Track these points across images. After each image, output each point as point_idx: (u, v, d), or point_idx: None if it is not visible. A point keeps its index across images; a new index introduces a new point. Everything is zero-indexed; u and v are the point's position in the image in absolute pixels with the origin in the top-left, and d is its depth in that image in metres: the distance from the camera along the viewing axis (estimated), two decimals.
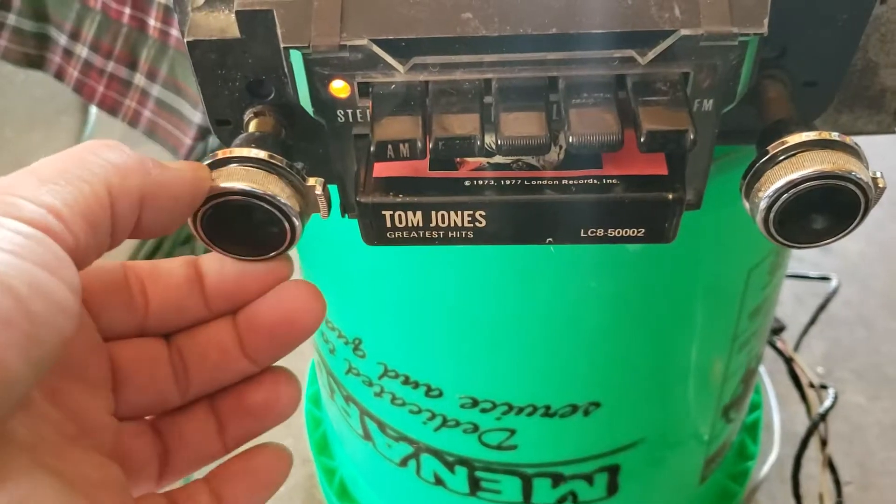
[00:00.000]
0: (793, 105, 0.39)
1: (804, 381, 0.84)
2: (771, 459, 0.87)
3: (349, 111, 0.36)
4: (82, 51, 1.16)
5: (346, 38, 0.34)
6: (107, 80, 1.16)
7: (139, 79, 1.11)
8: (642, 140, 0.34)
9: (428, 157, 0.35)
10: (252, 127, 0.38)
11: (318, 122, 0.37)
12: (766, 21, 0.34)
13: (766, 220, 0.35)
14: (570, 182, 0.36)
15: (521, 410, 0.57)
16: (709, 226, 0.48)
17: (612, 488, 0.64)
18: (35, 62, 1.18)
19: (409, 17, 0.35)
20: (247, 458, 0.37)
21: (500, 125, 0.34)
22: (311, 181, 0.36)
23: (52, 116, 1.43)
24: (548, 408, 0.56)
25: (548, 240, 0.37)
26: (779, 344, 0.85)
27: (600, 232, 0.37)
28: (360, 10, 0.35)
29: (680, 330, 0.56)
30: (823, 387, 0.83)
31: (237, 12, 0.35)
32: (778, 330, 0.87)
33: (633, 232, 0.37)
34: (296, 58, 0.35)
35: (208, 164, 0.35)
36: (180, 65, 1.05)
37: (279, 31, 0.34)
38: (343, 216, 0.41)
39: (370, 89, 0.35)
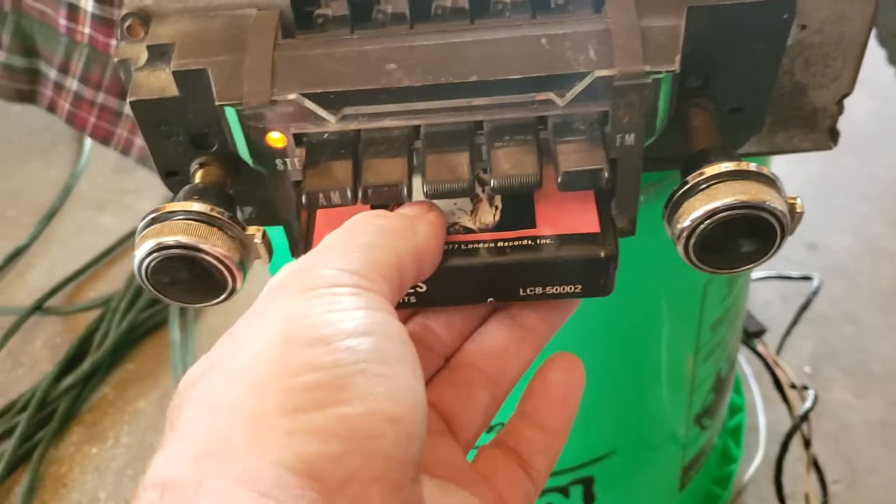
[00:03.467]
0: (717, 133, 0.40)
1: (785, 383, 0.84)
2: (757, 461, 0.88)
3: (287, 160, 0.38)
4: (72, 84, 1.19)
5: (277, 94, 0.36)
6: (98, 110, 1.18)
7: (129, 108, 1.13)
8: (559, 180, 0.35)
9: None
10: (198, 177, 0.40)
11: (260, 170, 0.39)
12: (677, 58, 0.35)
13: (685, 248, 0.36)
14: (506, 244, 0.37)
15: (491, 428, 0.58)
16: (656, 245, 0.50)
17: (589, 499, 0.65)
18: (27, 97, 1.21)
19: (337, 71, 0.36)
20: (543, 375, 0.39)
21: (426, 170, 0.36)
22: (251, 230, 0.37)
23: (48, 146, 1.46)
24: None
25: (489, 300, 0.38)
26: (759, 347, 0.86)
27: (538, 290, 0.38)
28: (290, 65, 0.36)
29: (640, 344, 0.57)
30: (805, 388, 0.84)
31: (174, 72, 0.37)
32: (759, 333, 0.88)
33: (571, 288, 0.38)
34: (231, 113, 0.36)
35: (151, 218, 0.36)
36: None
37: (213, 89, 0.36)
38: (293, 257, 0.43)
39: (304, 139, 0.37)
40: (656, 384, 0.61)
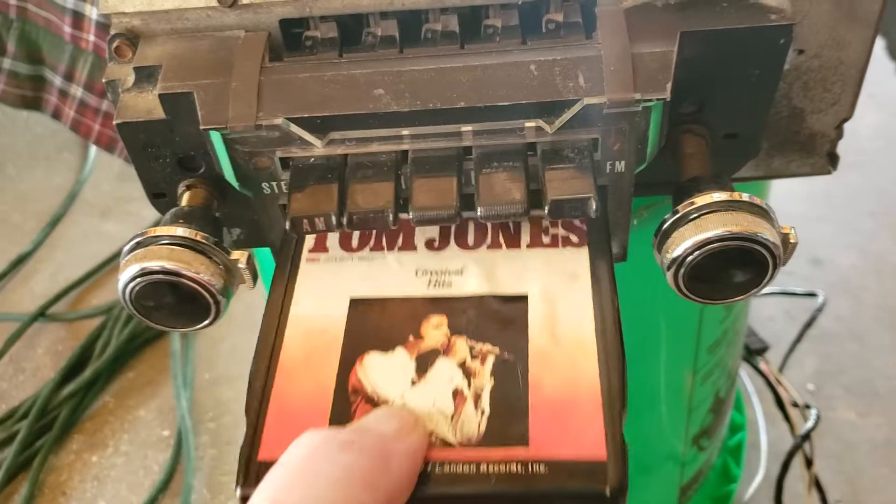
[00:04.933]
0: (710, 160, 0.39)
1: (787, 401, 0.84)
2: (758, 480, 0.88)
3: (273, 183, 0.38)
4: (77, 91, 1.19)
5: (262, 118, 0.35)
6: (102, 118, 1.18)
7: None
8: (547, 209, 0.35)
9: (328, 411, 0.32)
10: (185, 200, 0.39)
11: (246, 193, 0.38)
12: (668, 86, 0.35)
13: (675, 278, 0.36)
14: (492, 469, 0.30)
15: None
16: (650, 268, 0.49)
17: None
18: (32, 103, 1.21)
19: (324, 95, 0.36)
20: None
21: (413, 197, 0.35)
22: (236, 255, 0.37)
23: (53, 153, 1.46)
24: None
25: None
26: (761, 365, 0.85)
27: None
28: (276, 89, 0.36)
29: (637, 365, 0.56)
30: (808, 406, 0.83)
31: (160, 95, 0.36)
32: (761, 350, 0.87)
33: None
34: (216, 137, 0.36)
35: (136, 243, 0.36)
36: None
37: (199, 113, 0.36)
38: None
39: (290, 163, 0.37)
40: (653, 405, 0.60)
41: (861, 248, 1.14)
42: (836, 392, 0.98)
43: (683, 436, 0.64)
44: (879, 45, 1.19)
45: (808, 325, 0.93)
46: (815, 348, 1.02)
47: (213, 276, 0.36)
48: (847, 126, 0.45)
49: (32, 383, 1.10)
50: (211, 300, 0.36)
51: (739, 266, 0.36)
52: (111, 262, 1.26)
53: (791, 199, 1.20)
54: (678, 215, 0.36)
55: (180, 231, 0.36)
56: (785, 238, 0.36)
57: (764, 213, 0.36)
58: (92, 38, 1.08)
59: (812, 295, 0.97)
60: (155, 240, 0.36)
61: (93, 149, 1.45)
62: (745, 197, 0.35)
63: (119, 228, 1.31)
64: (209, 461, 0.99)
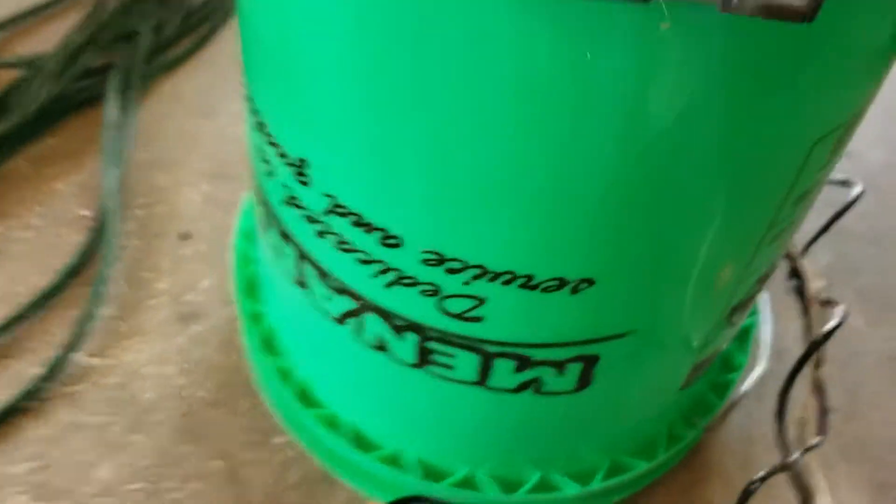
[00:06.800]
0: None
1: (809, 293, 0.73)
2: (755, 375, 0.78)
3: None
4: None
5: None
6: None
7: None
8: None
9: None
10: None
11: None
12: None
13: None
14: None
15: (496, 277, 0.45)
16: (784, 73, 0.36)
17: (585, 381, 0.53)
18: None
19: None
20: None
21: None
22: None
23: None
24: (530, 278, 0.45)
25: None
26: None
27: None
28: None
29: (706, 208, 0.44)
30: (830, 302, 0.73)
31: None
32: None
33: None
34: None
35: None
36: None
37: None
38: None
39: None
40: (707, 262, 0.48)
41: (894, 145, 1.03)
42: (847, 294, 0.89)
43: (725, 304, 0.53)
44: None
45: (840, 214, 0.82)
46: (832, 243, 0.92)
47: None
48: None
49: None
50: None
51: None
52: (48, 7, 1.07)
53: None
54: None
55: None
56: None
57: None
58: None
59: (847, 184, 0.85)
60: None
61: None
62: None
63: None
64: (133, 252, 0.85)
